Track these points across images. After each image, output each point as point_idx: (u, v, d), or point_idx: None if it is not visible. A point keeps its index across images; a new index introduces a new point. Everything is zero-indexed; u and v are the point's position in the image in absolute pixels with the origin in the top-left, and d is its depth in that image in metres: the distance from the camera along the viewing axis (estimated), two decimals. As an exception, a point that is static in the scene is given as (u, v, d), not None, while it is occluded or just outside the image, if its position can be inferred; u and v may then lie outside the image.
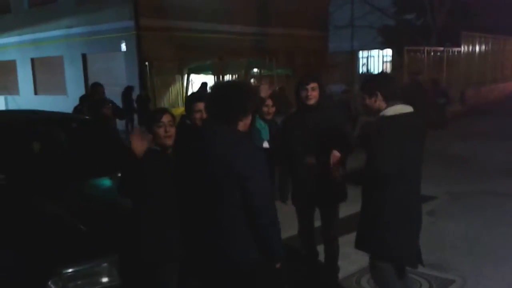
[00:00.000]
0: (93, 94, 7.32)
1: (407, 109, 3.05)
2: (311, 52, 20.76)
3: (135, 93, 14.59)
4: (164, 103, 16.13)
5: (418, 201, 3.21)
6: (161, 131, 2.94)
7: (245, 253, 2.49)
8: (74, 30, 17.30)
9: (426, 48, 17.59)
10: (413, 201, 3.13)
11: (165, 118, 2.97)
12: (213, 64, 15.63)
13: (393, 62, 22.14)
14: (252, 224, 2.45)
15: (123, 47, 15.88)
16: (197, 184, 2.57)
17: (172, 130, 2.98)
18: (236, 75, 16.34)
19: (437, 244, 4.93)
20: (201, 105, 3.52)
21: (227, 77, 17.71)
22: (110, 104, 6.57)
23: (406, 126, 2.99)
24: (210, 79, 16.31)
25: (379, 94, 3.04)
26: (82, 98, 8.04)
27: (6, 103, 20.53)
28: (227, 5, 17.16)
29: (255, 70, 17.47)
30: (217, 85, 3.67)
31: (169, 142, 2.97)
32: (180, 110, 14.77)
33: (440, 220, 5.88)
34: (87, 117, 6.03)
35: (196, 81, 16.45)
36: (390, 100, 3.04)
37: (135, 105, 14.29)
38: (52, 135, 5.42)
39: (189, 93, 16.46)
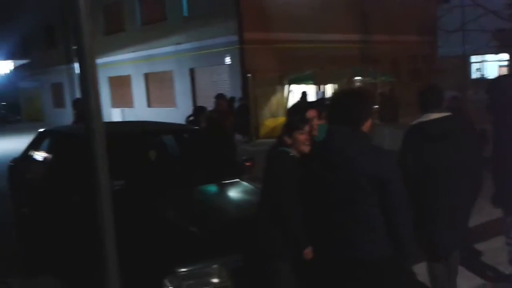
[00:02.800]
0: (217, 105, 7.60)
1: (440, 115, 3.28)
2: (418, 57, 19.88)
3: (237, 104, 15.09)
4: (265, 113, 16.44)
5: (458, 200, 3.33)
6: (302, 138, 3.14)
7: (378, 249, 2.62)
8: (183, 46, 18.38)
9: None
10: (447, 201, 3.28)
11: (307, 128, 3.22)
12: (313, 73, 15.62)
13: (510, 66, 20.37)
14: (389, 222, 2.60)
15: (228, 60, 16.51)
16: (330, 187, 2.69)
17: (310, 139, 3.21)
18: (338, 84, 16.16)
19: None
20: (312, 113, 3.53)
21: (329, 86, 17.62)
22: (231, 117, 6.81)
23: (429, 131, 3.28)
24: (310, 89, 16.33)
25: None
26: (196, 109, 8.39)
27: (123, 115, 22.27)
28: (330, 14, 17.12)
29: (358, 78, 17.15)
30: (339, 93, 3.79)
31: (307, 149, 3.16)
32: (281, 120, 14.97)
33: None
34: (196, 127, 6.33)
35: (297, 91, 16.55)
36: (427, 110, 3.32)
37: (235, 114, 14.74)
38: (166, 144, 5.81)
39: (289, 103, 16.62)
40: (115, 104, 23.17)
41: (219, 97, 7.79)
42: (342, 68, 16.19)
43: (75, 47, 2.01)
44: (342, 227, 2.66)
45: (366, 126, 2.71)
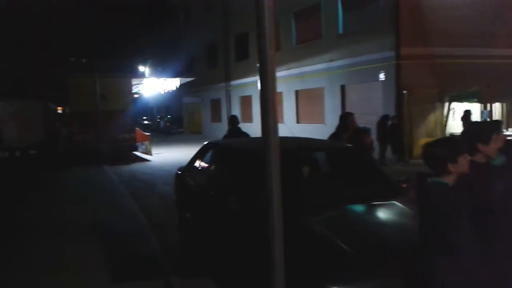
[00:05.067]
0: (348, 123, 7.43)
1: None
2: None
3: (389, 123, 14.50)
4: (421, 132, 15.51)
5: None
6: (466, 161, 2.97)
7: None
8: (335, 63, 18.43)
9: None
10: None
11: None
12: (479, 91, 14.26)
13: None
14: None
15: (382, 76, 16.03)
16: None
17: None
18: (508, 103, 14.51)
19: None
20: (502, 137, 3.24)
21: (497, 105, 15.96)
22: (370, 134, 6.62)
23: None
24: (474, 107, 14.97)
25: None
26: (338, 128, 8.28)
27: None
28: (497, 27, 15.54)
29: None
30: None
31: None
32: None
33: None
34: (349, 145, 6.19)
35: (458, 110, 15.30)
36: None
37: (388, 134, 14.19)
38: (320, 161, 5.78)
39: (449, 121, 15.43)
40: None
41: (348, 114, 7.50)
42: (512, 85, 14.51)
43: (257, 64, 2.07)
44: None
45: None
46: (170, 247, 6.28)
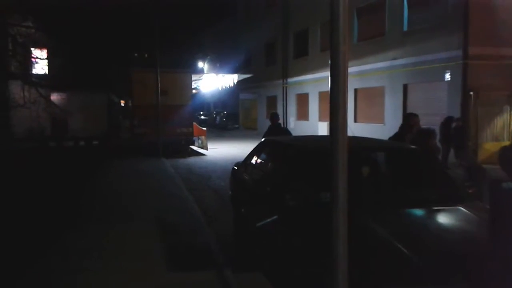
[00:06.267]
0: (412, 124, 7.17)
1: None
2: None
3: (453, 125, 13.83)
4: (487, 135, 14.72)
5: None
6: None
7: None
8: (398, 62, 17.86)
9: None
10: None
11: None
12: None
13: None
14: None
15: (447, 76, 15.35)
16: None
17: None
18: None
19: None
20: None
21: None
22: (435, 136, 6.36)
23: None
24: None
25: None
26: (401, 128, 8.00)
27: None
28: None
29: None
30: None
31: None
32: (505, 144, 13.16)
33: None
34: (413, 147, 5.95)
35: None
36: None
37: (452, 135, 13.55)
38: (381, 162, 5.60)
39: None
40: (323, 118, 23.92)
41: (412, 115, 7.22)
42: None
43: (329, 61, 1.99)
44: None
45: None
46: (224, 240, 6.32)
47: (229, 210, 7.14)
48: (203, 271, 5.07)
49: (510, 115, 14.86)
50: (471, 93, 14.50)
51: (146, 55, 32.41)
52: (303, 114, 26.66)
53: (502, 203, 2.79)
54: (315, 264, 3.52)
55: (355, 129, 19.04)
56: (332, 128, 1.95)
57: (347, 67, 1.94)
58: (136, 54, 33.97)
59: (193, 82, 20.87)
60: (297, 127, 25.92)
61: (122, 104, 25.53)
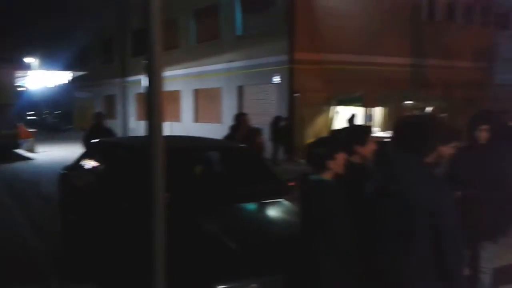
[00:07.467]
0: (241, 123, 7.61)
1: None
2: (472, 84, 19.26)
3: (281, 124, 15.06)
4: (310, 134, 16.30)
5: None
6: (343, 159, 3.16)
7: (428, 284, 2.54)
8: (233, 64, 18.65)
9: None
10: None
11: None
12: (362, 95, 15.41)
13: None
14: (439, 257, 2.50)
15: (276, 79, 16.57)
16: (382, 215, 2.63)
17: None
18: (387, 107, 15.84)
19: None
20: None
21: (377, 109, 17.32)
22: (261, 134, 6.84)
23: None
24: (359, 111, 16.11)
25: None
26: (232, 127, 8.43)
27: (171, 129, 22.80)
28: (382, 37, 16.91)
29: (409, 102, 16.80)
30: (406, 120, 3.51)
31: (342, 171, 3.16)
32: (311, 140, 14.74)
33: None
34: (242, 145, 6.32)
35: (343, 113, 16.35)
36: None
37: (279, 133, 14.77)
38: (212, 160, 5.82)
39: (335, 124, 16.42)
40: (165, 117, 23.67)
41: (241, 115, 7.77)
42: (392, 91, 15.89)
43: (145, 61, 2.05)
44: (390, 258, 2.60)
45: (432, 155, 2.66)
46: (52, 250, 5.91)
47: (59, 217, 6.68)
48: (28, 285, 4.70)
49: (329, 114, 16.73)
50: (296, 94, 15.91)
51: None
52: (143, 113, 25.57)
53: (308, 193, 3.18)
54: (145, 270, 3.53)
55: (195, 129, 19.34)
56: (148, 129, 2.02)
57: (162, 67, 2.02)
58: None
59: (17, 79, 18.89)
60: (139, 127, 25.05)
61: None
